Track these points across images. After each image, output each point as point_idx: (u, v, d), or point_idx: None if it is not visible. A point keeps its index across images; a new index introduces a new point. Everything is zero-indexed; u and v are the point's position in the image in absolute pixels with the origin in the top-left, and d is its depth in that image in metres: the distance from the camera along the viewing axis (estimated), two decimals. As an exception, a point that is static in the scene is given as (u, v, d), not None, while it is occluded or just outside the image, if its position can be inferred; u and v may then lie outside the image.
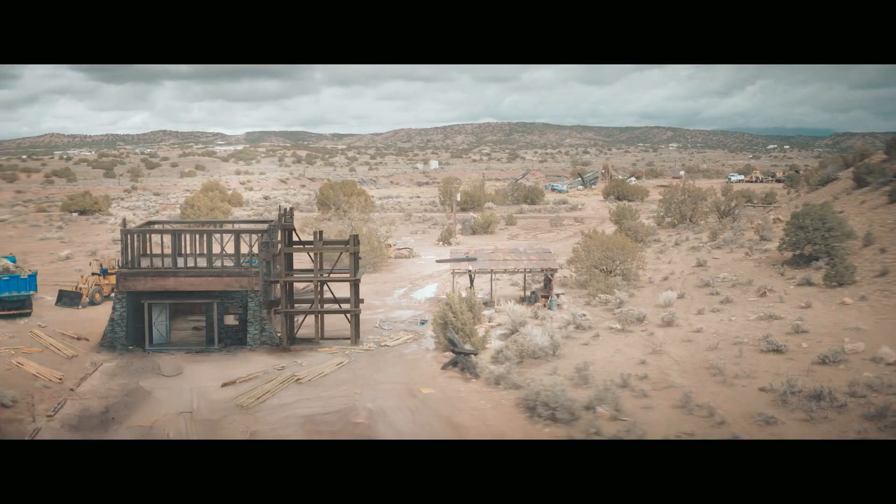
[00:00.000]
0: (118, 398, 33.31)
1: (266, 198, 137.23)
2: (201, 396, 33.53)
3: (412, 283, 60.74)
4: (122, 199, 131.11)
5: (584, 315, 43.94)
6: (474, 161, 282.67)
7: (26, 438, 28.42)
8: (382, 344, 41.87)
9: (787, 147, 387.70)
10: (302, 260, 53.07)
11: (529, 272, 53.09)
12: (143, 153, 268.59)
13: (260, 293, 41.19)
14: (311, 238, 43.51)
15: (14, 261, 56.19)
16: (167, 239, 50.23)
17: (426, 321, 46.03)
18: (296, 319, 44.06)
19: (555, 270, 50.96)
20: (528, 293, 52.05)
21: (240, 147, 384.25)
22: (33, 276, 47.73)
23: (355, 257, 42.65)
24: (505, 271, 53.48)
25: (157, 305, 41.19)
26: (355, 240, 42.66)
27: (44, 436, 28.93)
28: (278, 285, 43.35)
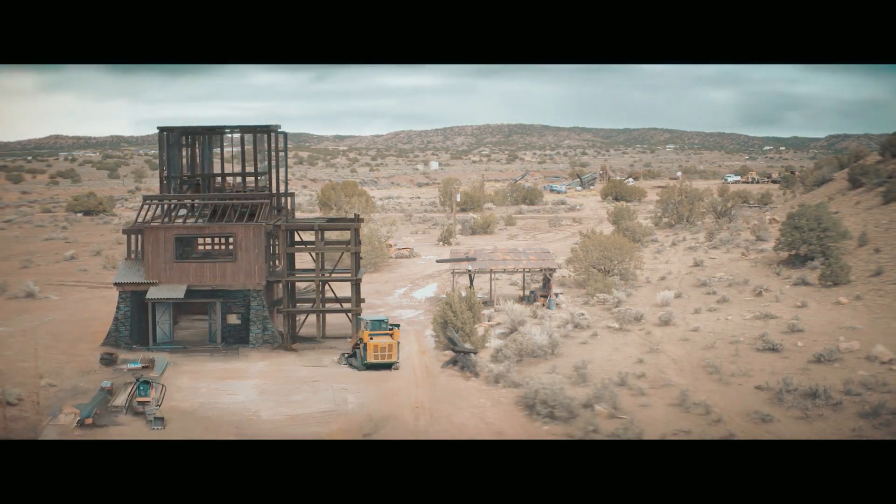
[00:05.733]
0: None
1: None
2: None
3: (412, 282, 61.19)
4: (126, 199, 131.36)
5: (583, 314, 44.40)
6: (474, 162, 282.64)
7: (30, 438, 28.73)
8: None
9: (783, 148, 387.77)
10: (303, 260, 53.48)
11: (528, 272, 53.52)
12: (146, 154, 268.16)
13: (262, 292, 41.63)
14: (312, 238, 43.95)
15: None
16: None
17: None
18: (297, 318, 44.50)
19: (553, 270, 51.41)
20: (527, 293, 52.48)
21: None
22: None
23: (356, 257, 43.11)
24: (504, 271, 53.93)
25: (161, 304, 41.61)
26: (356, 238, 43.11)
27: (48, 434, 29.30)
28: (280, 284, 43.83)
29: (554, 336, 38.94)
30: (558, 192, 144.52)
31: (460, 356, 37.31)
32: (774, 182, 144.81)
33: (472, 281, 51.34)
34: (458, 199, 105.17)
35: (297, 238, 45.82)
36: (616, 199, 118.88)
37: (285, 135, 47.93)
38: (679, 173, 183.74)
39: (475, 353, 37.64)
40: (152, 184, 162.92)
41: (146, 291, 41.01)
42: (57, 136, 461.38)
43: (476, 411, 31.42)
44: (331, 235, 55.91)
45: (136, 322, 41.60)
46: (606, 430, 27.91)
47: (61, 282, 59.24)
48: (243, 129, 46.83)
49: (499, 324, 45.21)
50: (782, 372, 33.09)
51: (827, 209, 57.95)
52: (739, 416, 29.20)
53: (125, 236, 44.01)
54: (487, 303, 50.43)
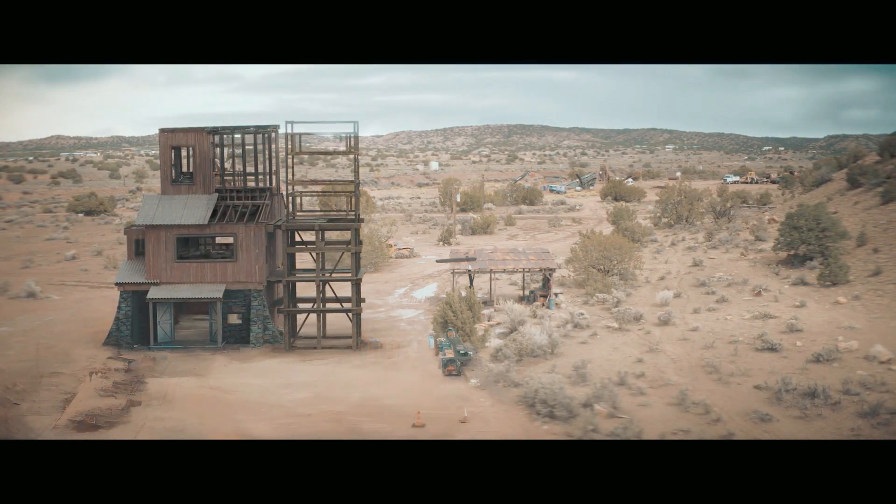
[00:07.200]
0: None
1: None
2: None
3: (413, 282, 61.28)
4: (127, 199, 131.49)
5: (582, 314, 44.50)
6: (474, 162, 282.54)
7: (31, 437, 28.80)
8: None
9: (782, 148, 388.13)
10: (304, 260, 53.55)
11: (528, 272, 53.62)
12: (147, 154, 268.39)
13: (263, 292, 41.70)
14: (312, 238, 44.02)
15: None
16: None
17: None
18: (298, 318, 44.54)
19: (553, 270, 51.50)
20: (526, 293, 52.58)
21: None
22: None
23: (357, 257, 43.18)
24: (504, 271, 54.02)
25: (162, 304, 41.69)
26: (356, 238, 43.18)
27: (49, 434, 29.37)
28: (281, 284, 43.88)
29: (553, 336, 39.04)
30: (558, 193, 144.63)
31: (460, 356, 37.39)
32: (773, 182, 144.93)
33: (472, 281, 51.43)
34: (458, 200, 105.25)
35: (297, 238, 45.86)
36: (615, 199, 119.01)
37: (286, 135, 47.90)
38: (678, 173, 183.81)
39: (475, 352, 37.71)
40: (153, 184, 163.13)
41: (147, 291, 41.12)
42: (58, 137, 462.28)
43: (476, 411, 31.49)
44: (331, 235, 55.99)
45: (138, 322, 41.71)
46: (606, 429, 28.00)
47: (62, 282, 59.35)
48: (244, 130, 46.87)
49: (499, 324, 45.29)
50: (781, 371, 33.21)
51: (826, 209, 58.10)
52: (738, 416, 29.29)
53: (126, 236, 44.10)
54: (487, 303, 50.52)
